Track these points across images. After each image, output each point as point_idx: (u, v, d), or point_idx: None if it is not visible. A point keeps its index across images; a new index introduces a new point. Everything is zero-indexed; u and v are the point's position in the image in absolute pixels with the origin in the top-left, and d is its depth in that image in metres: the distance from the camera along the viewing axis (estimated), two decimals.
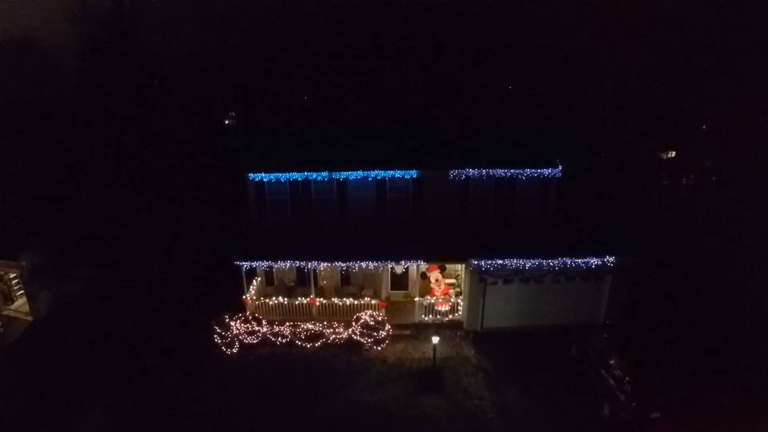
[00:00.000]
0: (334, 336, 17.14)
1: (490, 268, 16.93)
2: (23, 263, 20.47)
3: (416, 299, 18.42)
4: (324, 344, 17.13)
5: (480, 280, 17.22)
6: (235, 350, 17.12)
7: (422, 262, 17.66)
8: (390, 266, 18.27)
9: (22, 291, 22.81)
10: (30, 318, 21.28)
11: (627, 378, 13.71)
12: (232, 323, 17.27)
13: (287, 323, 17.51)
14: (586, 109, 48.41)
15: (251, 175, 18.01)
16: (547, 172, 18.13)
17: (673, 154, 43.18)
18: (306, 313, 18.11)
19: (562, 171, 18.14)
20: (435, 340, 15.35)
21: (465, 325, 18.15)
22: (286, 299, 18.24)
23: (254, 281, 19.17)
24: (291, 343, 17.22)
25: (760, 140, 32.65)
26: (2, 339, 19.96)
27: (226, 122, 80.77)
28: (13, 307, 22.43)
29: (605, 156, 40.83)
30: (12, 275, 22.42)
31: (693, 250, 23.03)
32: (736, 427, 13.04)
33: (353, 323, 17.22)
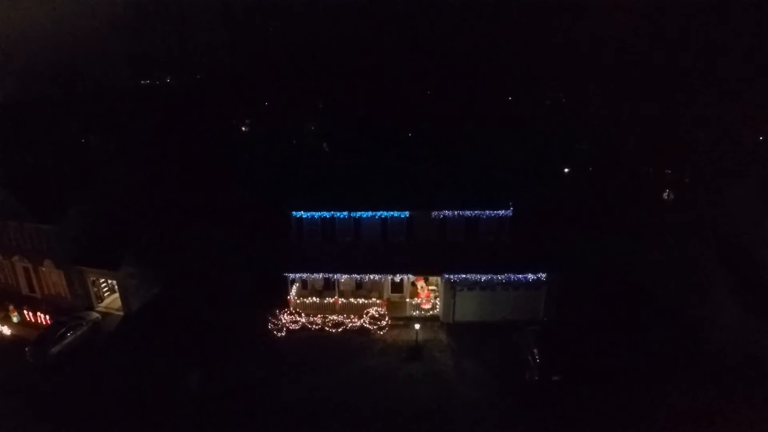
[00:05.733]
0: (351, 324, 25.06)
1: (457, 279, 24.68)
2: (120, 271, 27.65)
3: (408, 300, 26.28)
4: (344, 330, 25.05)
5: (451, 287, 24.96)
6: (283, 333, 25.02)
7: (411, 275, 25.50)
8: (390, 277, 26.06)
9: (108, 291, 30.34)
10: (121, 313, 28.54)
11: (540, 355, 21.34)
12: (280, 315, 25.18)
13: (319, 315, 25.45)
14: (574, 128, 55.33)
15: (294, 212, 25.91)
16: (501, 212, 25.76)
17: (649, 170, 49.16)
18: (331, 309, 25.98)
19: (516, 209, 25.72)
20: (417, 327, 23.25)
21: (441, 318, 25.95)
22: (317, 299, 26.19)
23: (294, 286, 27.03)
24: (321, 329, 25.15)
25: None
26: (104, 327, 27.18)
27: (243, 129, 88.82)
28: (102, 304, 29.75)
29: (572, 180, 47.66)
30: (101, 279, 29.80)
31: (620, 263, 30.29)
32: (610, 385, 20.58)
33: (364, 316, 25.11)
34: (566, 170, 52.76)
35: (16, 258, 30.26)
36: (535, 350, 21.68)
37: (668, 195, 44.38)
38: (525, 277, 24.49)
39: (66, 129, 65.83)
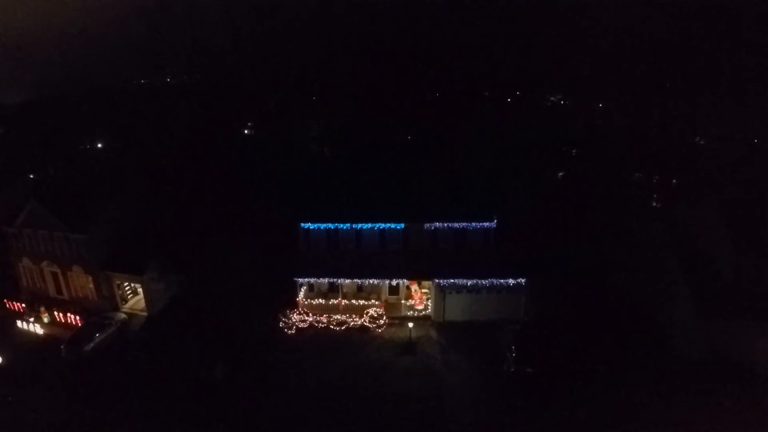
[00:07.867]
0: (352, 323, 28.30)
1: (447, 283, 27.96)
2: (145, 276, 30.43)
3: (403, 301, 29.59)
4: (347, 328, 28.27)
5: (441, 290, 28.24)
6: (293, 331, 28.18)
7: (406, 280, 28.77)
8: (387, 281, 29.29)
9: (131, 293, 33.10)
10: (145, 313, 31.22)
11: (516, 351, 24.60)
12: (290, 315, 28.36)
13: (324, 315, 28.66)
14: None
15: (302, 224, 29.15)
16: (486, 224, 29.08)
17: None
18: (335, 309, 29.17)
19: (500, 219, 29.04)
20: (411, 325, 26.56)
21: (432, 318, 29.23)
22: (323, 300, 29.43)
23: (302, 289, 30.19)
24: (327, 327, 28.36)
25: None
26: (131, 326, 29.99)
27: (246, 132, 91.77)
28: (127, 306, 32.48)
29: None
30: (126, 283, 32.53)
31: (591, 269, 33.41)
32: (578, 377, 23.67)
33: (364, 315, 28.35)
34: (560, 174, 54.81)
35: (45, 263, 33.00)
36: (513, 346, 24.92)
37: (656, 203, 46.20)
38: (507, 282, 27.76)
39: (78, 131, 67.90)
